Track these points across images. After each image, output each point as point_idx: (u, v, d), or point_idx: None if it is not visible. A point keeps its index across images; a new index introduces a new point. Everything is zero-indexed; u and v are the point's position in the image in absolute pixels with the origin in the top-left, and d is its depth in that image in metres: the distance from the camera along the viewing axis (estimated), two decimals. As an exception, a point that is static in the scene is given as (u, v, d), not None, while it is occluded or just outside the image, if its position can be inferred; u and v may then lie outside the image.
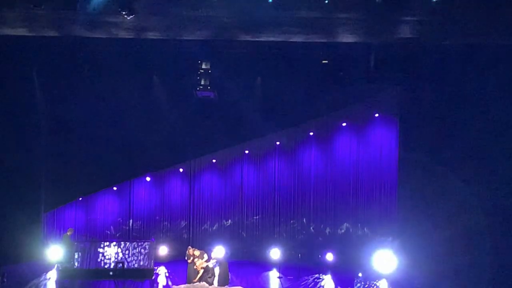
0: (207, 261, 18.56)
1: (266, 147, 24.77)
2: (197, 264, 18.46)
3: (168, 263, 22.72)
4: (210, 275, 18.39)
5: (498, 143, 18.89)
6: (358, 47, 19.72)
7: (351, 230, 24.23)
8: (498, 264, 18.11)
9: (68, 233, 21.21)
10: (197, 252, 18.77)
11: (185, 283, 18.76)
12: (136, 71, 21.61)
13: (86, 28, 17.79)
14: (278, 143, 24.67)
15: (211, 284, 18.25)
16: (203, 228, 24.74)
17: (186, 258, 18.98)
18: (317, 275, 21.10)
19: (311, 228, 24.51)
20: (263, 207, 24.75)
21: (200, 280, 18.07)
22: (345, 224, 24.31)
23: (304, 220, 24.55)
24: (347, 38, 18.63)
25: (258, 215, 24.72)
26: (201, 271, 18.33)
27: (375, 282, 20.10)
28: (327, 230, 24.39)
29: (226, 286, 18.50)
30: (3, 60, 20.49)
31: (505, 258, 18.05)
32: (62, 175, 22.89)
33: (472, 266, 18.20)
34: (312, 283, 19.98)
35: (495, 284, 17.59)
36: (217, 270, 18.59)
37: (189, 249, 19.12)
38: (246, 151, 24.76)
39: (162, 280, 20.08)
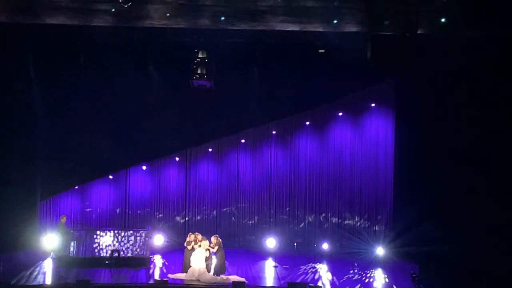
0: (210, 246, 18.63)
1: (262, 136, 24.76)
2: (203, 245, 18.47)
3: (164, 251, 22.76)
4: (208, 261, 18.49)
5: (494, 135, 18.91)
6: (355, 37, 19.67)
7: (346, 219, 24.28)
8: (493, 254, 18.17)
9: (62, 221, 21.16)
10: (200, 236, 18.79)
11: (180, 272, 18.81)
12: (132, 60, 21.52)
13: (82, 16, 17.74)
14: (274, 132, 24.67)
15: (208, 271, 18.31)
16: (199, 217, 24.75)
17: (185, 244, 18.96)
18: (313, 264, 21.15)
19: (307, 217, 24.53)
20: (259, 197, 24.77)
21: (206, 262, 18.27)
22: (340, 213, 24.34)
23: (300, 210, 24.57)
24: (344, 27, 18.61)
25: (254, 204, 24.73)
26: (207, 252, 18.38)
27: (370, 271, 20.16)
28: (323, 220, 24.42)
29: (221, 275, 18.54)
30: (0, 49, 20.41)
31: (499, 248, 18.11)
32: (58, 164, 22.84)
33: (467, 256, 18.26)
34: (308, 272, 20.01)
35: (488, 275, 17.63)
36: (213, 259, 18.63)
37: (190, 235, 19.13)
38: (242, 140, 24.75)
39: (157, 269, 20.09)
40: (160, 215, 24.71)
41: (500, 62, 18.68)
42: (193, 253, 18.45)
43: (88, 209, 24.28)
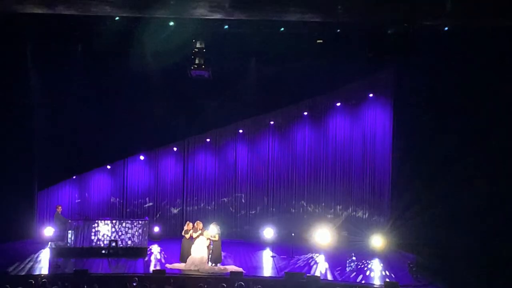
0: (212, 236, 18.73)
1: (260, 126, 24.77)
2: (205, 234, 18.57)
3: (161, 241, 22.80)
4: (208, 250, 18.58)
5: (493, 125, 18.89)
6: (353, 27, 19.62)
7: (344, 209, 24.33)
8: (489, 247, 18.18)
9: (58, 210, 21.21)
10: (201, 225, 18.88)
11: (178, 261, 18.86)
12: (130, 50, 21.44)
13: (80, 6, 17.64)
14: (272, 122, 24.67)
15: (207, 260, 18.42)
16: (196, 207, 24.77)
17: (183, 233, 19.04)
18: (310, 255, 21.20)
19: (304, 207, 24.57)
20: (256, 187, 24.80)
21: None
22: (338, 203, 24.39)
23: (298, 200, 24.62)
24: (342, 17, 18.54)
25: (252, 194, 24.77)
26: (207, 241, 18.47)
27: (367, 262, 20.21)
28: (321, 210, 24.48)
29: (219, 265, 18.63)
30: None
31: (496, 243, 18.11)
32: (56, 154, 22.85)
33: (464, 247, 18.28)
34: (305, 263, 20.06)
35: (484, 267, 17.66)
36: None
37: (188, 223, 19.25)
38: (240, 131, 24.75)
39: (155, 259, 20.12)
40: (158, 205, 24.71)
41: (499, 52, 18.64)
42: (195, 242, 18.52)
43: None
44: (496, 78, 18.73)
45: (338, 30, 20.21)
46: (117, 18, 19.28)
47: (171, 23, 19.66)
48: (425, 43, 19.39)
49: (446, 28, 19.18)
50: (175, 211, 24.77)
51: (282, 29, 20.29)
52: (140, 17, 19.19)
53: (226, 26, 19.96)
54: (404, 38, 19.58)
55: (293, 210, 24.64)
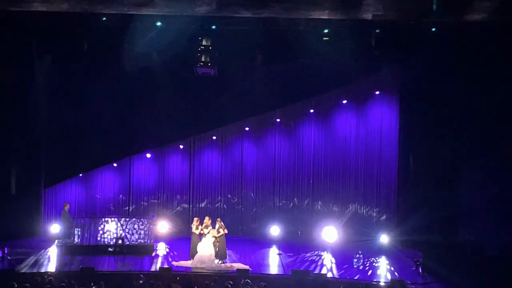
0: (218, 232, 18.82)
1: (266, 124, 24.74)
2: (211, 232, 18.65)
3: (168, 239, 22.80)
4: (215, 247, 18.65)
5: (499, 121, 18.85)
6: (359, 24, 19.58)
7: (350, 207, 24.27)
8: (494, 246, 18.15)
9: (65, 208, 21.27)
10: (210, 221, 18.95)
11: (185, 259, 18.89)
12: (136, 47, 21.42)
13: (86, 3, 17.69)
14: (278, 120, 24.63)
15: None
16: (203, 204, 24.77)
17: (193, 230, 19.05)
18: (316, 252, 21.17)
19: (311, 205, 24.52)
20: (263, 184, 24.77)
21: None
22: (344, 201, 24.32)
23: (304, 197, 24.57)
24: (349, 15, 18.53)
25: (258, 192, 24.74)
26: (213, 238, 18.51)
27: (374, 259, 20.18)
28: (327, 207, 24.42)
29: (226, 262, 18.67)
30: (2, 35, 20.34)
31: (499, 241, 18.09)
32: (63, 152, 22.91)
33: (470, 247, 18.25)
34: (312, 260, 20.05)
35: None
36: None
37: (197, 220, 19.33)
38: (247, 128, 24.72)
39: (162, 257, 20.14)
40: (164, 203, 24.73)
41: (506, 47, 18.60)
42: (202, 239, 18.58)
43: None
44: (503, 73, 18.69)
45: (344, 28, 20.14)
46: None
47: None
48: (431, 40, 19.34)
49: (451, 25, 19.12)
50: (181, 208, 24.78)
51: (289, 26, 20.23)
52: (146, 15, 19.21)
53: (232, 24, 19.93)
54: (410, 35, 19.56)
55: (299, 208, 24.59)
